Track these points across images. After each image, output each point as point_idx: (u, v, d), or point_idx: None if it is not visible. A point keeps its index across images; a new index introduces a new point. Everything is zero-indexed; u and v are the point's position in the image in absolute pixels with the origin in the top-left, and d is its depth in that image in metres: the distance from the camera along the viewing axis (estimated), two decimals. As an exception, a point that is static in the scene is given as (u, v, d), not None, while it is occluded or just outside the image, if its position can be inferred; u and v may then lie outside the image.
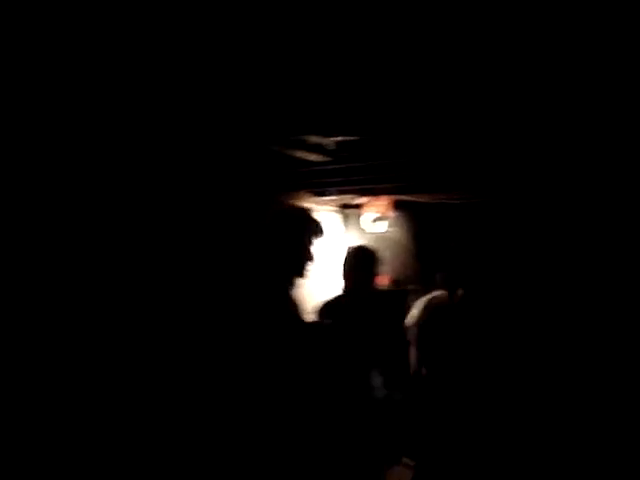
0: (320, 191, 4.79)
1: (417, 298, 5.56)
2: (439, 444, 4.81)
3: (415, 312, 4.61)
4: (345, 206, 5.19)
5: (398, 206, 5.08)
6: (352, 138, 3.64)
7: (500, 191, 4.73)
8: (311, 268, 2.82)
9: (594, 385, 3.48)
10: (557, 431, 3.48)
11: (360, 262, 3.69)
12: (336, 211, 5.32)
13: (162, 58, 2.74)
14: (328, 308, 3.69)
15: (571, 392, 3.49)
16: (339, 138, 3.65)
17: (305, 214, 2.90)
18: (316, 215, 5.02)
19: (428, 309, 4.41)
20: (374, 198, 4.88)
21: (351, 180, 4.53)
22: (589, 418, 3.44)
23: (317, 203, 5.00)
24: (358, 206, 5.06)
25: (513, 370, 3.52)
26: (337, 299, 3.73)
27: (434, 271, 4.55)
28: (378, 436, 5.11)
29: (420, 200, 4.98)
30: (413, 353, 4.78)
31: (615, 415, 3.38)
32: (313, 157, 3.92)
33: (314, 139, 3.64)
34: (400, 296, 5.19)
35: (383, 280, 5.50)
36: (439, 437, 4.77)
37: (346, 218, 5.38)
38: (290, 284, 2.77)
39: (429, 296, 4.51)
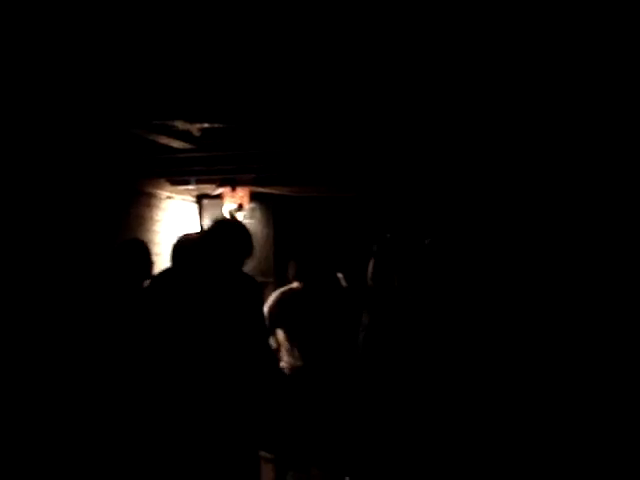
0: (179, 180, 4.70)
1: (273, 290, 5.64)
2: (300, 437, 4.89)
3: (267, 304, 4.64)
4: (202, 196, 5.14)
5: (256, 198, 5.12)
6: (218, 125, 3.62)
7: (357, 187, 4.94)
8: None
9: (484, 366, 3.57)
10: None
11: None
12: (193, 201, 5.24)
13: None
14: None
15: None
16: (205, 125, 3.61)
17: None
18: (173, 204, 4.97)
19: (277, 301, 4.49)
20: (232, 189, 4.87)
21: (212, 170, 4.50)
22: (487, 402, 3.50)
23: (175, 192, 4.90)
24: (216, 197, 5.03)
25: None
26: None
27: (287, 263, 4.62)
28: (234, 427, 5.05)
29: (278, 192, 5.07)
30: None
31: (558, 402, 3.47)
32: (176, 144, 3.84)
33: (179, 125, 3.56)
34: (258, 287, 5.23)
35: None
36: (302, 431, 4.84)
37: (202, 209, 5.32)
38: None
39: (283, 289, 4.58)
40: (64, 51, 2.80)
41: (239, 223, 3.22)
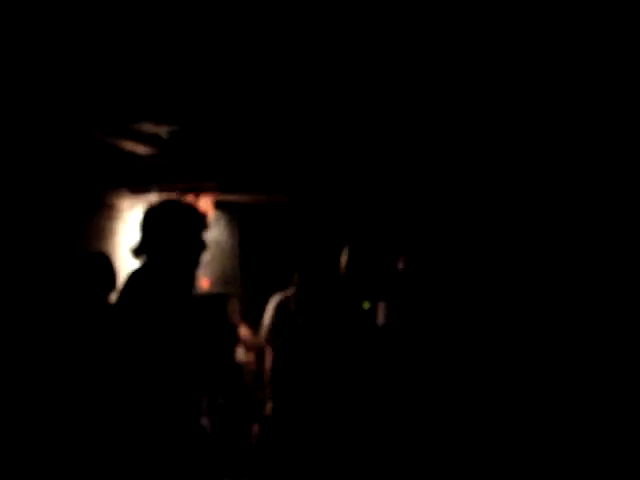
0: (141, 189, 4.47)
1: (238, 302, 5.44)
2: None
3: (268, 313, 4.42)
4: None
5: (220, 207, 4.95)
6: (188, 128, 3.46)
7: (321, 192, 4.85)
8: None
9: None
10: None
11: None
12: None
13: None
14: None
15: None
16: (174, 127, 3.44)
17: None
18: (132, 214, 4.74)
19: (279, 309, 4.24)
20: (196, 197, 4.69)
21: (176, 177, 4.32)
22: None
23: (136, 202, 4.66)
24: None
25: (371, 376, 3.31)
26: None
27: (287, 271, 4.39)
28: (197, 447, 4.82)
29: (243, 200, 4.93)
30: (269, 356, 4.50)
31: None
32: (141, 149, 3.64)
33: (146, 127, 3.37)
34: (219, 301, 5.04)
35: (203, 283, 5.31)
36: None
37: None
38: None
39: (281, 295, 4.36)
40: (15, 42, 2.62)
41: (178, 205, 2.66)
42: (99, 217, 4.29)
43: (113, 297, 3.44)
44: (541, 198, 3.72)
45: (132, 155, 3.76)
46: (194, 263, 2.57)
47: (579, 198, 3.57)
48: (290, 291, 4.32)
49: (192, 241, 2.52)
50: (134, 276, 2.56)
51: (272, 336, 4.30)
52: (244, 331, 4.87)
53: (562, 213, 3.63)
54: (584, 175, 3.53)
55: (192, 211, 2.61)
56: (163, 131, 3.42)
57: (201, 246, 2.57)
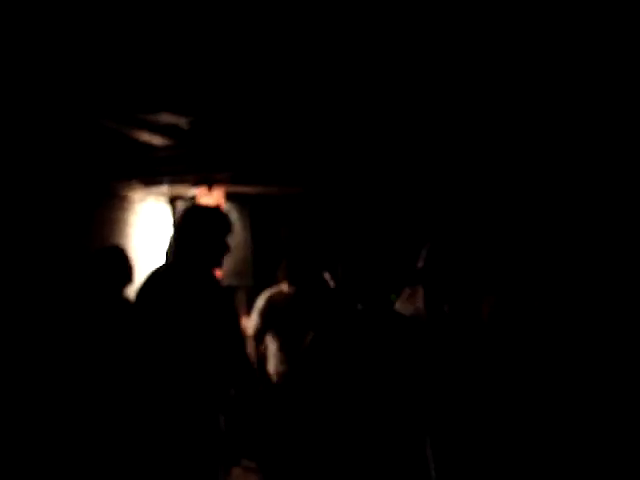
0: (153, 180, 4.41)
1: (246, 294, 5.41)
2: (283, 445, 4.64)
3: (256, 310, 4.42)
4: (177, 198, 4.87)
5: (232, 199, 4.90)
6: (209, 118, 3.40)
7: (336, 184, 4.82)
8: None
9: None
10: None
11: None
12: (166, 202, 4.97)
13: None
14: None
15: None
16: (193, 118, 3.38)
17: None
18: (146, 207, 4.70)
19: (268, 306, 4.27)
20: (209, 189, 4.63)
21: (189, 168, 4.26)
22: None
23: (148, 194, 4.61)
24: (190, 199, 4.78)
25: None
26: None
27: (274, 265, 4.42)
28: (213, 436, 4.82)
29: (256, 192, 4.88)
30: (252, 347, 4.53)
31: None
32: (157, 140, 3.58)
33: (165, 118, 3.31)
34: (229, 294, 5.01)
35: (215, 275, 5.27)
36: (284, 438, 4.60)
37: (177, 211, 5.04)
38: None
39: (269, 293, 4.37)
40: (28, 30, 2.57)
41: (208, 211, 2.74)
42: (111, 208, 4.23)
43: (129, 290, 3.43)
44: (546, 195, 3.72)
45: (145, 146, 3.69)
46: (215, 264, 2.62)
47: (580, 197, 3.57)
48: (279, 287, 4.36)
49: (218, 244, 2.57)
50: (155, 274, 2.60)
51: (261, 332, 4.35)
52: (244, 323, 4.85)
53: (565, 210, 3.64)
54: (585, 173, 3.53)
55: (222, 216, 2.66)
56: (183, 122, 3.35)
57: (225, 249, 2.61)
